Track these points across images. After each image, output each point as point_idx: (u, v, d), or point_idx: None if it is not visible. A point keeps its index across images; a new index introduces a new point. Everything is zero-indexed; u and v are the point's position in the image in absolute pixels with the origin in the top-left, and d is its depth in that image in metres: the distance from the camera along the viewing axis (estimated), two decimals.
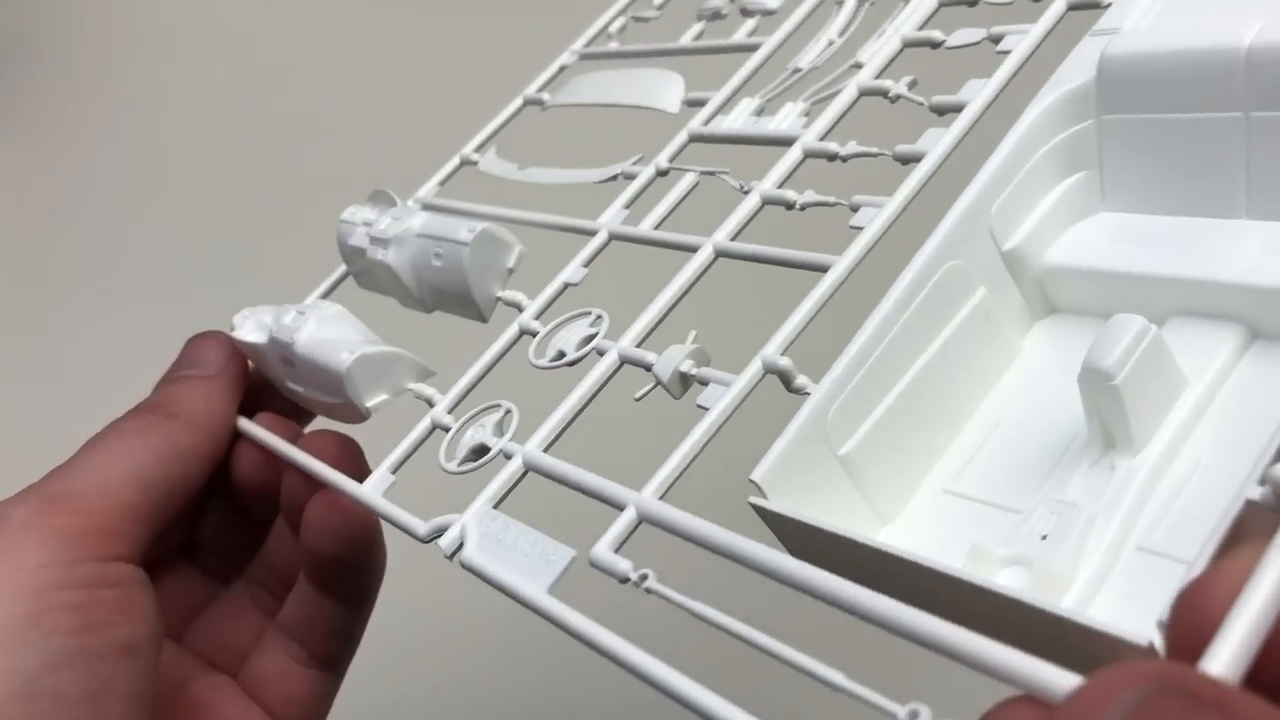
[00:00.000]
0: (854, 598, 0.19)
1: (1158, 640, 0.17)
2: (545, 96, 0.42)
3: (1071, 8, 0.28)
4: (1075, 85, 0.26)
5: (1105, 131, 0.26)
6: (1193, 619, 0.15)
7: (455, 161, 0.41)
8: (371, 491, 0.29)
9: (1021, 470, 0.24)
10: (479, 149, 0.41)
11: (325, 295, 0.39)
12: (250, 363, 0.36)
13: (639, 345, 0.28)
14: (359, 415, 0.31)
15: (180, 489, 0.32)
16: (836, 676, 0.18)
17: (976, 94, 0.27)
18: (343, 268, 0.39)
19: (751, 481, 0.23)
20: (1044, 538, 0.22)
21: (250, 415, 0.35)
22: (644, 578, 0.22)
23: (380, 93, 0.64)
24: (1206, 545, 0.17)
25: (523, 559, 0.24)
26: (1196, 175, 0.25)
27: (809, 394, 0.24)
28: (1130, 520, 0.21)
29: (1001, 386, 0.26)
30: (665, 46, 0.39)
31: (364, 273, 0.37)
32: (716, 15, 0.39)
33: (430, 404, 0.30)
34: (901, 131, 0.29)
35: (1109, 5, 0.28)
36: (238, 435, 0.34)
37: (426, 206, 0.39)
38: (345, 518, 0.32)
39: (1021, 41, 0.28)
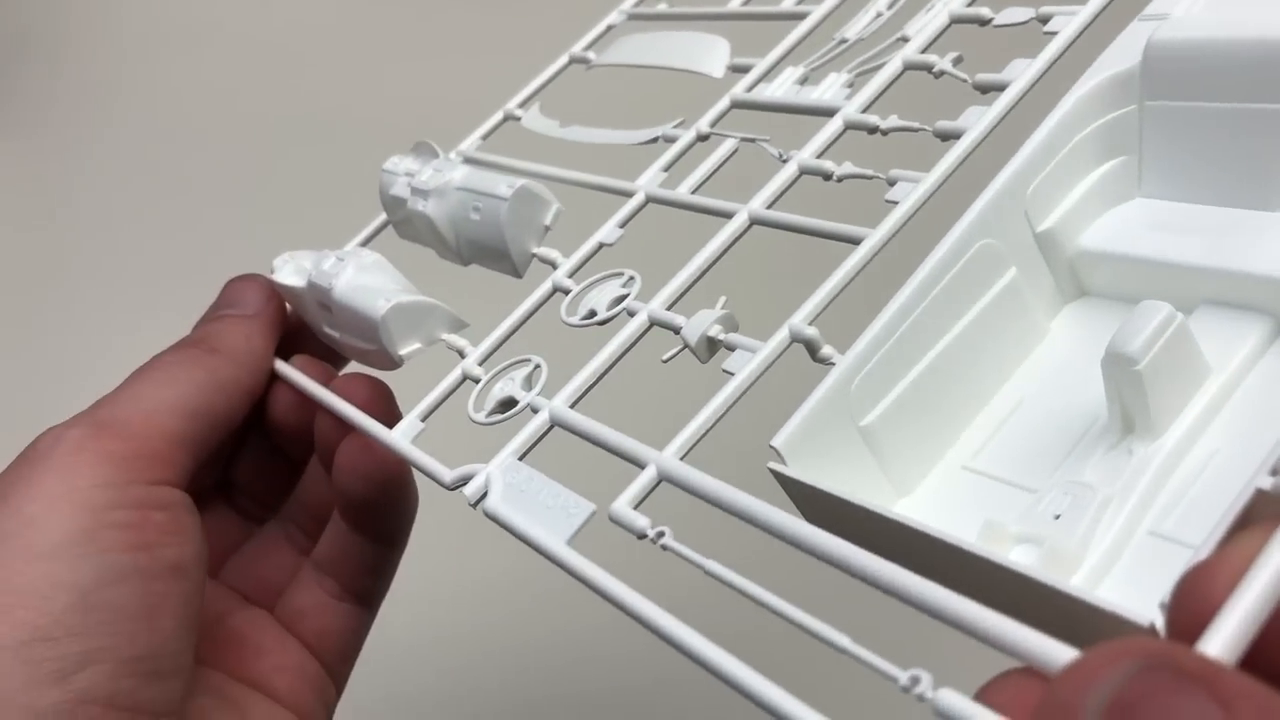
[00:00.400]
0: (865, 564, 0.19)
1: (1159, 621, 0.17)
2: (590, 55, 0.42)
3: None
4: (1120, 70, 0.26)
5: (1147, 117, 0.26)
6: (1193, 602, 0.15)
7: (499, 116, 0.42)
8: (400, 437, 0.29)
9: (1040, 451, 0.24)
10: (523, 105, 0.42)
11: (365, 244, 0.39)
12: (288, 306, 0.37)
13: (669, 308, 0.28)
14: (392, 362, 0.32)
15: (222, 421, 0.32)
16: (842, 640, 0.18)
17: (1021, 73, 0.27)
18: (383, 216, 0.39)
19: (772, 447, 0.24)
20: (1057, 517, 0.22)
21: (286, 357, 0.35)
22: (660, 534, 0.22)
23: (386, 83, 0.65)
24: (1214, 532, 0.17)
25: (545, 510, 0.25)
26: (1235, 166, 0.25)
27: (834, 364, 0.24)
28: (1144, 505, 0.22)
29: (1027, 367, 0.26)
30: (713, 10, 0.39)
31: (404, 223, 0.37)
32: None
33: (462, 355, 0.31)
34: (944, 108, 0.29)
35: None
36: (274, 376, 0.35)
37: (467, 160, 0.40)
38: (375, 461, 0.33)
39: (1070, 23, 0.28)
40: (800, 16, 0.36)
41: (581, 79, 0.42)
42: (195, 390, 0.32)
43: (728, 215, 0.30)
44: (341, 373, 0.35)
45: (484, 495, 0.26)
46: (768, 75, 0.34)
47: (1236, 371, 0.23)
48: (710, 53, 0.37)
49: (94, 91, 0.68)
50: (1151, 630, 0.17)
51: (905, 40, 0.32)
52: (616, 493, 0.24)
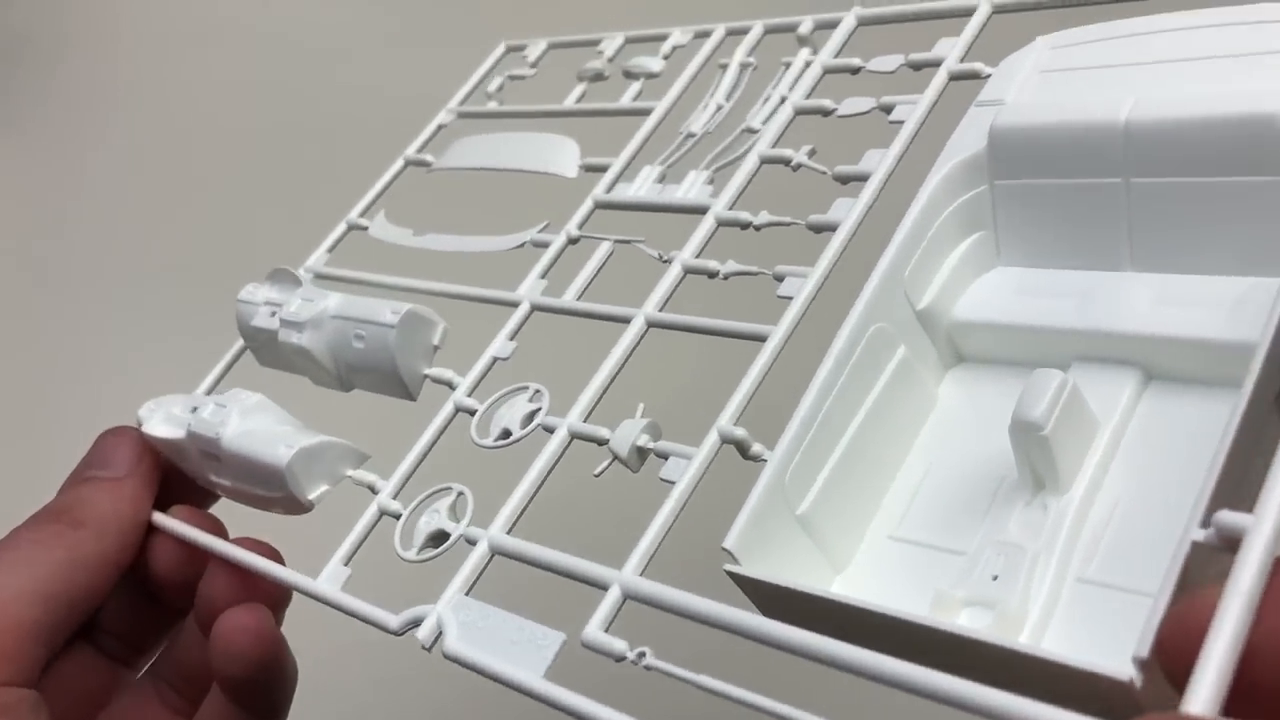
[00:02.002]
0: (833, 653, 0.21)
1: (1137, 676, 0.19)
2: (428, 158, 0.42)
3: (953, 78, 0.31)
4: (969, 155, 0.29)
5: (998, 195, 0.29)
6: (1184, 647, 0.17)
7: (342, 227, 0.41)
8: (329, 587, 0.29)
9: (956, 513, 0.27)
10: (364, 213, 0.42)
11: (223, 374, 0.38)
12: (164, 456, 0.35)
13: (585, 420, 0.29)
14: (300, 508, 0.31)
15: (83, 601, 0.31)
16: None
17: (878, 164, 0.30)
18: (238, 343, 0.39)
19: (725, 549, 0.25)
20: (995, 578, 0.24)
21: (165, 507, 0.34)
22: (641, 655, 0.23)
23: (387, 83, 0.62)
24: (1164, 586, 0.20)
25: (511, 646, 0.25)
26: (1083, 232, 0.28)
27: (765, 460, 0.26)
28: (1067, 555, 0.24)
29: (925, 435, 0.29)
30: (551, 108, 0.41)
31: (265, 350, 0.37)
32: (598, 77, 0.40)
33: (373, 490, 0.31)
34: (801, 198, 0.31)
35: (988, 76, 0.30)
36: (152, 529, 0.34)
37: (320, 276, 0.39)
38: (252, 641, 0.31)
39: (913, 112, 0.31)
40: (641, 113, 0.37)
41: (423, 182, 0.43)
42: (53, 572, 0.31)
43: (624, 320, 0.31)
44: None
45: (438, 636, 0.26)
46: (624, 174, 0.36)
47: (1120, 422, 0.26)
48: (561, 152, 0.38)
49: (93, 92, 0.67)
50: (1131, 685, 0.19)
51: (752, 131, 0.34)
52: (572, 609, 0.25)
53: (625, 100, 0.39)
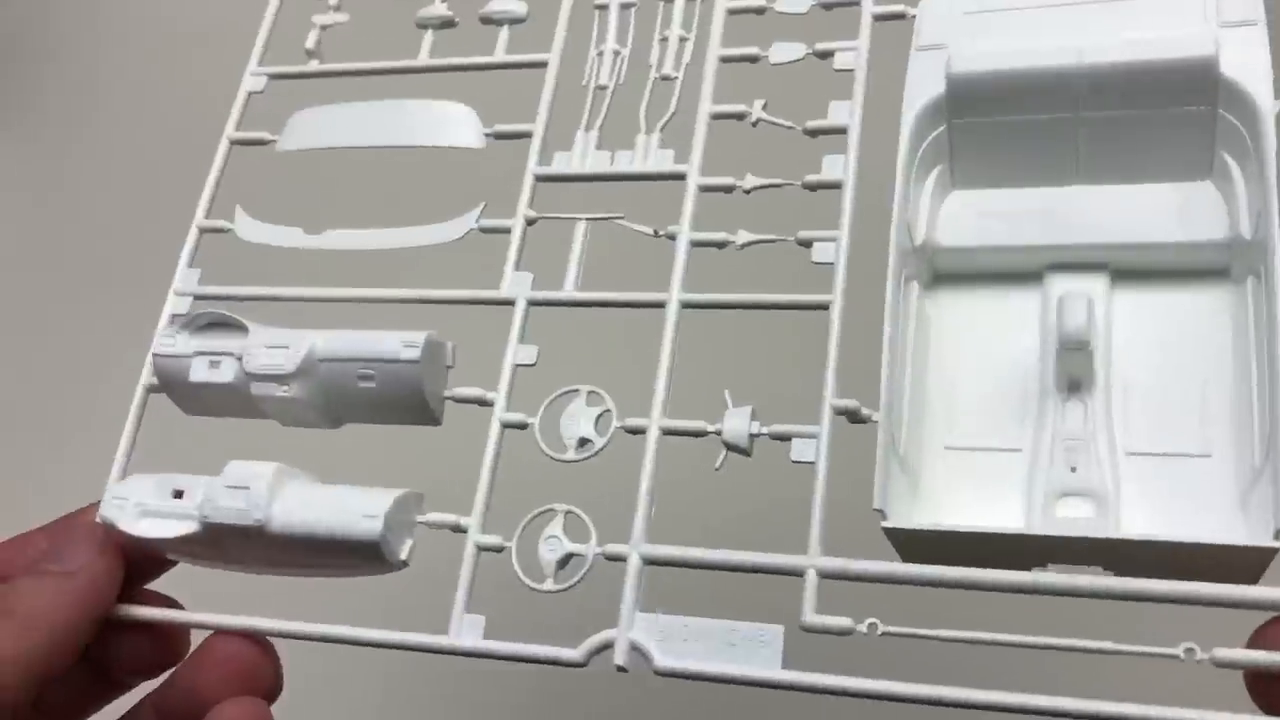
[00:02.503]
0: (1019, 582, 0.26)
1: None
2: (263, 136, 0.38)
3: (878, 19, 0.34)
4: (929, 100, 0.32)
5: (954, 131, 0.33)
6: None
7: (194, 234, 0.37)
8: (472, 639, 0.29)
9: (997, 416, 0.32)
10: (209, 214, 0.37)
11: (134, 435, 0.34)
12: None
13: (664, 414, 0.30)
14: (388, 569, 0.30)
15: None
16: (1105, 644, 0.25)
17: (850, 116, 0.33)
18: (137, 396, 0.34)
19: (876, 510, 0.28)
20: (1074, 470, 0.30)
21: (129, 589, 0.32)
22: (873, 626, 0.27)
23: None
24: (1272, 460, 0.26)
25: (730, 648, 0.27)
26: (1034, 158, 0.33)
27: (875, 420, 0.29)
28: (1114, 437, 0.30)
29: (935, 352, 0.33)
30: (404, 64, 0.38)
31: (203, 401, 0.33)
32: (447, 24, 0.38)
33: (457, 529, 0.30)
34: (760, 154, 0.33)
35: (913, 16, 0.34)
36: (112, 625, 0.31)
37: (200, 298, 0.36)
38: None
39: (858, 58, 0.33)
40: (533, 65, 0.36)
41: (250, 168, 0.38)
42: None
43: (653, 305, 0.32)
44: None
45: (637, 656, 0.28)
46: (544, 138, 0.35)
47: (1106, 319, 0.32)
48: (455, 120, 0.36)
49: (89, 92, 0.66)
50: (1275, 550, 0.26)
51: (667, 79, 0.35)
52: (726, 601, 0.28)
53: (500, 52, 0.37)
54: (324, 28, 0.39)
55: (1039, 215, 0.33)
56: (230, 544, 0.30)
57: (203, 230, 0.37)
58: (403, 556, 0.30)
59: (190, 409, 0.34)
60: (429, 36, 0.38)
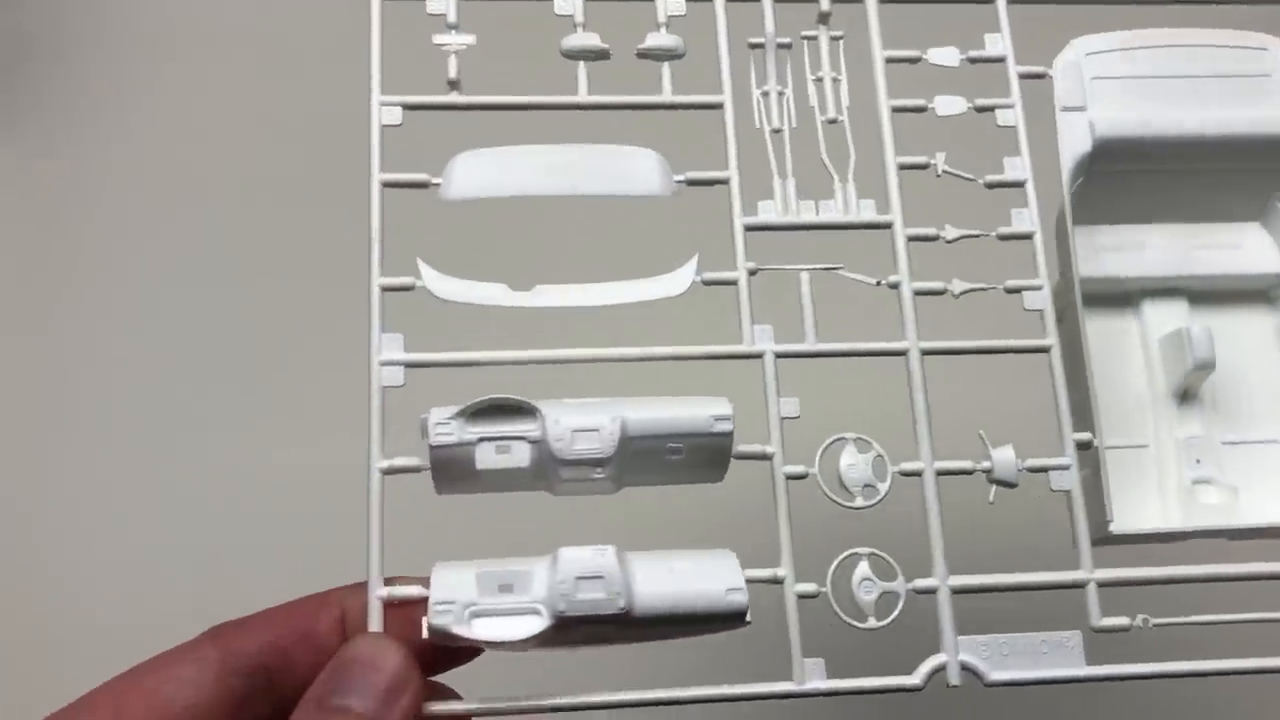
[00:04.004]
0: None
1: None
2: (420, 177, 0.35)
3: (1023, 78, 0.38)
4: (1079, 155, 0.38)
5: (1089, 179, 0.39)
6: None
7: (377, 294, 0.34)
8: (820, 682, 0.32)
9: (1125, 420, 0.39)
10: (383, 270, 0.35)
11: (382, 523, 0.32)
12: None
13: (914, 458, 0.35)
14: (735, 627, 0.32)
15: None
16: None
17: (1023, 170, 0.37)
18: (375, 482, 0.33)
19: (1108, 520, 0.35)
20: (1198, 461, 0.39)
21: None
22: (1146, 620, 0.34)
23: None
24: None
25: (1042, 656, 0.33)
26: (1136, 198, 0.40)
27: (1096, 445, 0.36)
28: (1215, 431, 0.39)
29: None
30: (562, 100, 0.37)
31: (470, 481, 0.32)
32: (601, 56, 0.37)
33: (775, 581, 0.33)
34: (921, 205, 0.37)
35: (1050, 75, 0.39)
36: None
37: (414, 365, 0.34)
38: None
39: (1017, 115, 0.37)
40: (709, 106, 0.37)
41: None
42: None
43: (894, 354, 0.35)
44: None
45: (975, 674, 0.33)
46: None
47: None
48: (647, 168, 0.36)
49: (95, 93, 0.64)
50: None
51: (833, 123, 0.38)
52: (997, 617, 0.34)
53: (667, 91, 0.37)
54: (454, 52, 0.36)
55: (1134, 250, 0.40)
56: (578, 633, 0.31)
57: (385, 289, 0.34)
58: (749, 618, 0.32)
59: (450, 489, 0.33)
60: (583, 69, 0.37)
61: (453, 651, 0.32)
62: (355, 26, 0.36)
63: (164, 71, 0.62)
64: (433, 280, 0.35)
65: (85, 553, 0.55)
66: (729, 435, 0.32)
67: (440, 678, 0.33)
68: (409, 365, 0.33)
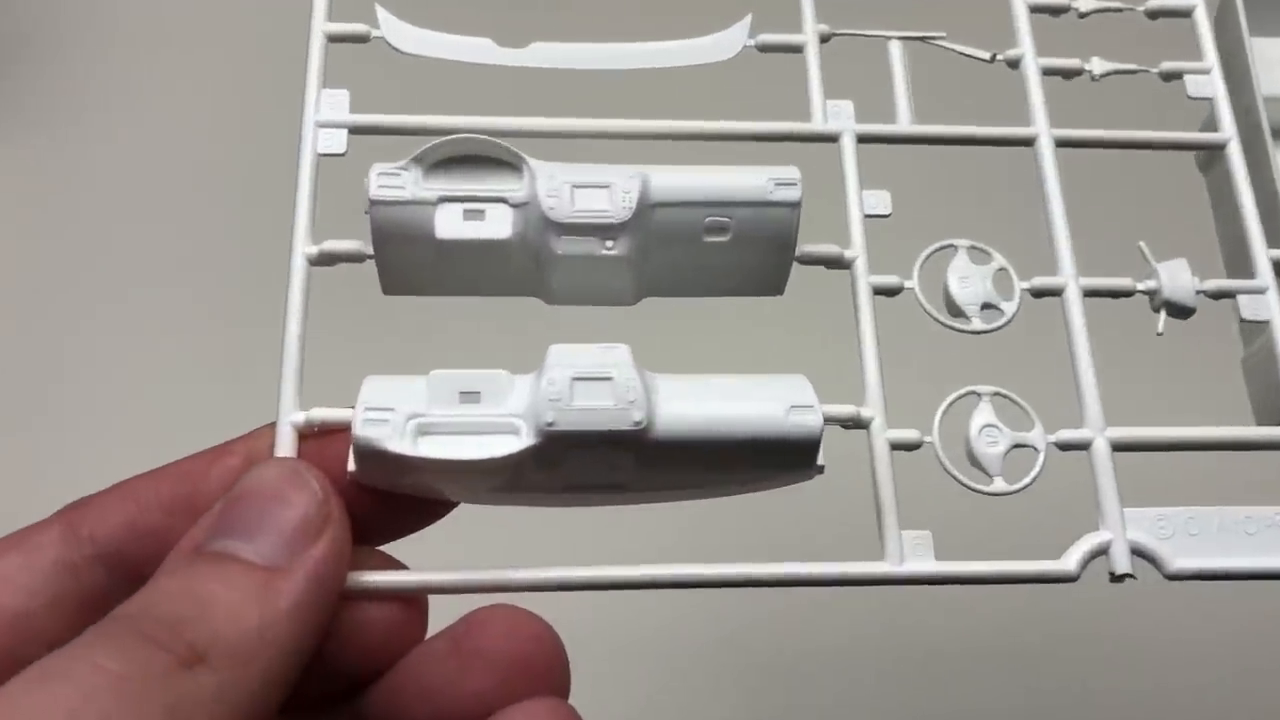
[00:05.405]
0: None
1: None
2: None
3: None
4: None
5: None
6: None
7: (320, 42, 0.26)
8: (925, 564, 0.22)
9: None
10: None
11: (305, 312, 0.23)
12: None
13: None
14: (800, 480, 0.22)
15: None
16: None
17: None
18: (298, 262, 0.23)
19: None
20: None
21: None
22: None
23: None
24: None
25: (1248, 538, 0.23)
26: None
27: None
28: None
29: None
30: None
31: (434, 266, 0.23)
32: None
33: (857, 424, 0.23)
34: None
35: None
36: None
37: (359, 130, 0.25)
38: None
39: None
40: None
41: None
42: None
43: (1021, 143, 0.26)
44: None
45: (1151, 563, 0.22)
46: None
47: None
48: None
49: (94, 93, 0.60)
50: None
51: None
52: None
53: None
54: None
55: None
56: (574, 465, 0.21)
57: (331, 38, 0.26)
58: (821, 460, 0.22)
59: (398, 284, 0.23)
60: None
61: (397, 509, 0.22)
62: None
63: (161, 71, 0.59)
64: (393, 30, 0.26)
65: None
66: (795, 207, 0.23)
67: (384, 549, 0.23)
68: (353, 130, 0.25)
